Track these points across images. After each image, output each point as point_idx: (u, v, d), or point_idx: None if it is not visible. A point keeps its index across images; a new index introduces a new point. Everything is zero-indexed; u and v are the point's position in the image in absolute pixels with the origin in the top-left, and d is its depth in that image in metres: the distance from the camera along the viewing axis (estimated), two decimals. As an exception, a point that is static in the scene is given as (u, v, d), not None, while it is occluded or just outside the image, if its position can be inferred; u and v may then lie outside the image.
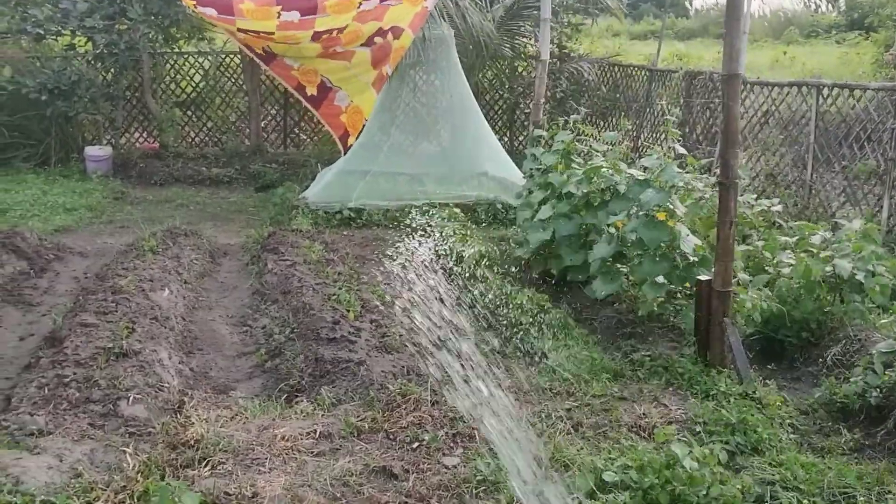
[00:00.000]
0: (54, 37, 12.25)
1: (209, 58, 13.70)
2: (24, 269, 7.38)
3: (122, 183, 11.59)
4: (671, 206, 5.62)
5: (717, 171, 6.65)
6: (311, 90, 9.73)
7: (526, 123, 13.77)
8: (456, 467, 4.10)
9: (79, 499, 3.59)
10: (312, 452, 4.20)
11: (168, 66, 13.60)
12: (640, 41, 26.18)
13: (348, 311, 6.15)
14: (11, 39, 12.13)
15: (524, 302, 6.22)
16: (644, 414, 4.66)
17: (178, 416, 4.51)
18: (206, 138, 13.90)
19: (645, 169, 6.11)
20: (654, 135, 11.90)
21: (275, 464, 4.06)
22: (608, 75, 13.74)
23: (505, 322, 6.04)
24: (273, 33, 7.85)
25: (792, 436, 4.54)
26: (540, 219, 6.83)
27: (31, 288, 7.12)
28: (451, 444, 4.34)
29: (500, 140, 11.16)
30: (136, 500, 3.62)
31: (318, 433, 4.36)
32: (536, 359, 5.52)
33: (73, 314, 6.00)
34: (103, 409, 4.49)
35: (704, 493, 3.69)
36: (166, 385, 4.95)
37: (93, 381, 4.74)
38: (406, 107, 10.37)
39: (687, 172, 6.32)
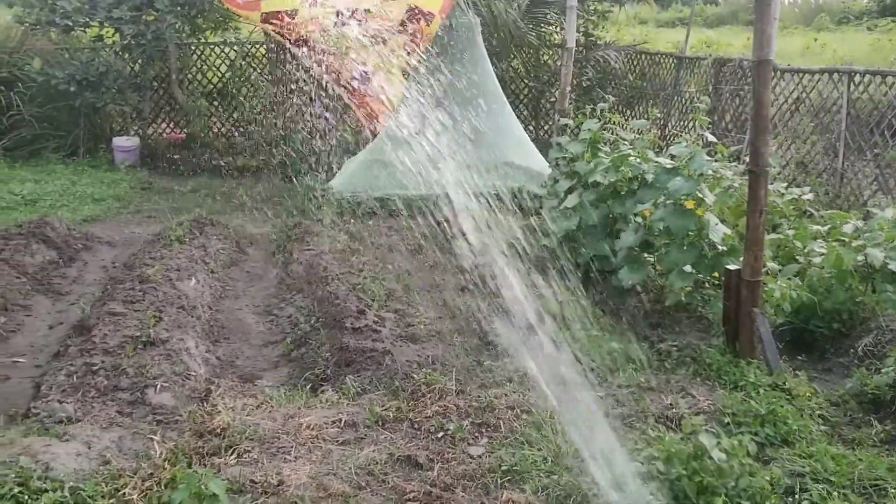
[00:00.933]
0: (83, 28, 12.34)
1: (235, 48, 13.74)
2: (53, 258, 7.46)
3: (149, 173, 11.68)
4: (700, 195, 5.55)
5: (747, 159, 6.57)
6: (346, 75, 9.73)
7: (551, 112, 13.68)
8: (481, 457, 4.09)
9: (107, 486, 3.62)
10: (337, 441, 4.21)
11: (194, 56, 13.65)
12: (667, 28, 25.91)
13: (373, 300, 6.15)
14: (41, 31, 12.22)
15: (548, 292, 6.17)
16: (671, 404, 4.62)
17: (205, 404, 4.53)
18: (233, 128, 13.94)
19: (673, 157, 6.04)
20: (682, 123, 11.78)
21: (300, 452, 4.08)
22: (635, 63, 13.61)
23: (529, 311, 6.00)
24: (295, 12, 7.82)
25: (822, 427, 4.47)
26: (566, 207, 6.77)
27: (60, 277, 7.19)
28: (476, 434, 4.33)
29: (525, 129, 11.09)
30: (163, 488, 3.64)
31: (343, 422, 4.36)
32: (561, 349, 5.48)
33: (102, 303, 6.05)
34: (131, 397, 4.53)
35: (733, 484, 3.65)
36: (193, 373, 4.98)
37: (121, 370, 4.78)
38: (429, 96, 10.33)
39: (716, 161, 6.23)
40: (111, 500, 3.56)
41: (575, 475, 3.84)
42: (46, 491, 3.48)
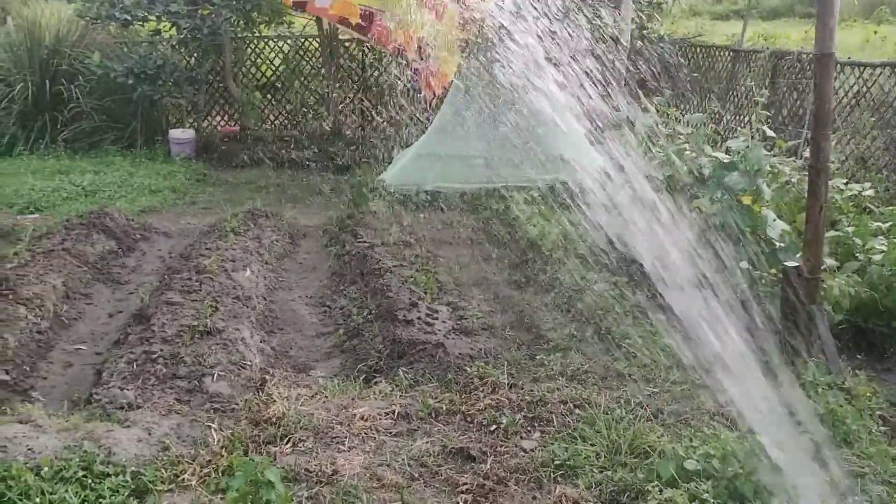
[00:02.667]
0: (141, 22, 12.54)
1: (289, 41, 13.86)
2: (112, 248, 7.61)
3: (204, 165, 11.84)
4: (757, 190, 5.46)
5: (805, 154, 6.44)
6: (356, 19, 9.80)
7: (604, 106, 13.55)
8: (533, 451, 4.09)
9: (166, 471, 3.70)
10: (390, 432, 4.24)
11: (249, 50, 13.80)
12: (722, 21, 25.48)
13: (425, 293, 6.17)
14: (101, 25, 12.46)
15: (601, 286, 6.13)
16: (726, 401, 4.56)
17: (260, 393, 4.60)
18: (286, 121, 14.08)
19: (729, 151, 5.95)
20: (738, 117, 11.58)
21: (354, 442, 4.12)
22: (690, 56, 13.42)
23: (582, 307, 5.98)
24: None
25: (882, 428, 4.39)
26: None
27: (119, 266, 7.34)
28: (529, 428, 4.32)
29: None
30: (220, 475, 3.71)
31: (396, 413, 4.39)
32: (615, 344, 5.45)
33: (160, 292, 6.17)
34: (189, 385, 4.61)
35: (792, 484, 3.60)
36: (248, 363, 5.06)
37: (179, 358, 4.87)
38: (482, 91, 10.30)
39: (773, 156, 6.12)
40: (171, 486, 3.64)
41: (629, 471, 3.83)
42: (109, 475, 3.57)
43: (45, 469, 3.54)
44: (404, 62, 9.87)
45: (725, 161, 5.71)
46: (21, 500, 3.35)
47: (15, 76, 11.88)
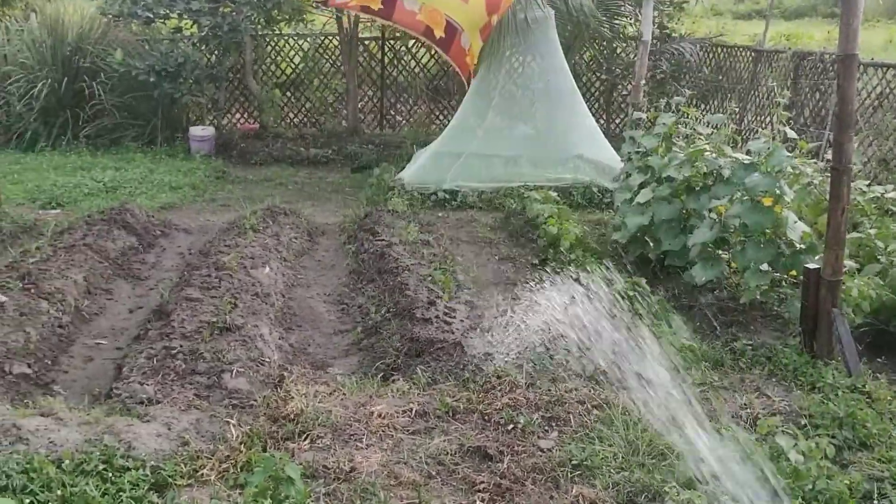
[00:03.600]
0: (163, 20, 12.63)
1: (308, 39, 13.92)
2: (133, 244, 7.67)
3: (224, 162, 11.89)
4: (778, 191, 5.43)
5: (827, 155, 6.40)
6: (440, 32, 9.97)
7: (623, 106, 13.52)
8: (551, 450, 4.09)
9: (186, 466, 3.73)
10: (408, 430, 4.24)
11: (269, 47, 13.87)
12: (743, 21, 25.33)
13: (444, 291, 6.17)
14: (123, 22, 12.56)
15: (620, 287, 6.10)
16: (745, 404, 4.55)
17: (279, 390, 4.62)
18: (305, 119, 14.14)
19: (749, 152, 5.92)
20: (759, 118, 11.51)
21: (371, 440, 4.13)
22: (711, 56, 13.35)
23: (600, 307, 5.96)
24: None
25: (903, 431, 4.35)
26: (638, 202, 6.70)
27: (139, 262, 7.40)
28: (546, 428, 4.32)
29: (596, 122, 10.98)
30: (239, 470, 3.73)
31: (413, 412, 4.40)
32: (634, 344, 5.43)
33: (179, 288, 6.21)
34: (208, 381, 4.64)
35: (810, 487, 3.59)
36: (267, 359, 5.08)
37: (198, 354, 4.90)
38: (502, 89, 10.29)
39: (795, 157, 6.08)
40: (190, 481, 3.66)
41: (647, 472, 3.82)
42: (129, 469, 3.60)
43: (67, 462, 3.58)
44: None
45: (746, 162, 5.67)
46: (43, 492, 3.38)
47: (38, 73, 11.99)
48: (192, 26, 12.71)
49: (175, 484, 3.60)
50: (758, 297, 5.76)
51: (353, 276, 7.16)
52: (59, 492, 3.38)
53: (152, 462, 3.68)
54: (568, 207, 8.42)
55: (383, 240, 7.57)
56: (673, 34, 13.47)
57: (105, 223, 7.72)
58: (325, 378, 4.94)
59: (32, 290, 5.80)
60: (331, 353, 5.64)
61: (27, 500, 3.31)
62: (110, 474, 3.55)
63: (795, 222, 5.53)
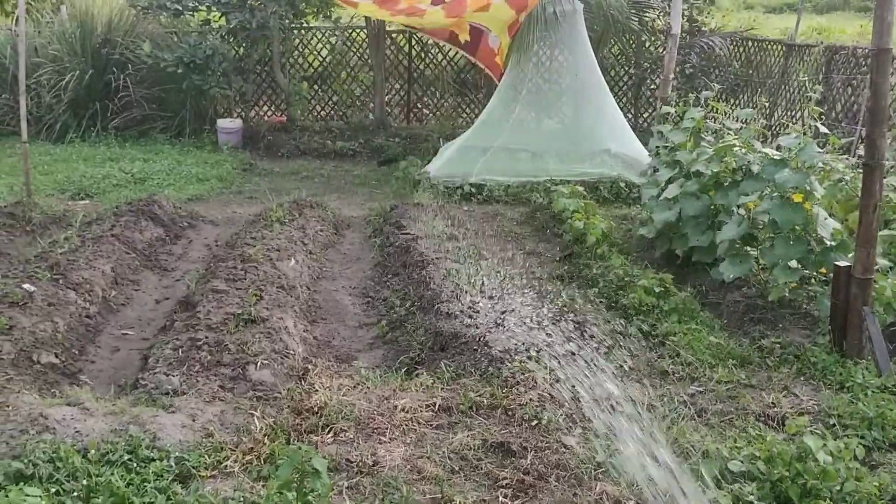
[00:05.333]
0: (191, 12, 12.69)
1: (336, 32, 13.93)
2: (160, 235, 7.72)
3: (251, 155, 11.95)
4: (808, 188, 5.35)
5: (860, 151, 6.30)
6: (465, 36, 9.98)
7: (651, 100, 13.40)
8: (575, 447, 4.05)
9: (210, 457, 3.74)
10: (431, 425, 4.23)
11: (297, 40, 13.89)
12: (774, 14, 25.03)
13: (469, 286, 6.15)
14: (152, 15, 12.64)
15: (647, 282, 6.06)
16: (773, 403, 4.49)
17: (303, 382, 4.63)
18: (332, 112, 14.16)
19: (779, 148, 5.84)
20: (790, 112, 11.36)
21: (395, 434, 4.12)
22: (741, 50, 13.19)
23: (626, 302, 5.92)
24: None
25: (935, 434, 4.27)
26: (666, 198, 6.64)
27: (166, 254, 7.45)
28: (570, 424, 4.29)
29: (624, 116, 10.89)
30: (262, 462, 3.74)
31: (437, 406, 4.38)
32: (658, 341, 5.39)
33: (205, 280, 6.24)
34: (233, 373, 4.65)
35: (838, 488, 3.53)
36: (291, 352, 5.09)
37: (223, 346, 4.91)
38: (529, 83, 10.25)
39: (826, 153, 5.99)
40: (214, 472, 3.68)
41: (670, 471, 3.78)
42: (154, 460, 3.62)
43: (92, 452, 3.60)
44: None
45: (776, 158, 5.60)
46: (68, 481, 3.41)
47: (67, 65, 12.09)
48: (220, 19, 12.76)
49: (199, 475, 3.62)
50: (786, 294, 5.69)
51: (378, 270, 7.16)
52: (84, 481, 3.40)
53: (177, 453, 3.70)
54: (594, 202, 8.37)
55: (409, 233, 7.56)
56: (703, 28, 13.32)
57: (133, 214, 7.77)
58: (349, 371, 4.94)
59: (61, 281, 5.86)
60: (355, 347, 5.64)
61: (53, 490, 3.34)
62: (135, 465, 3.57)
63: (826, 219, 5.45)
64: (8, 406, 4.00)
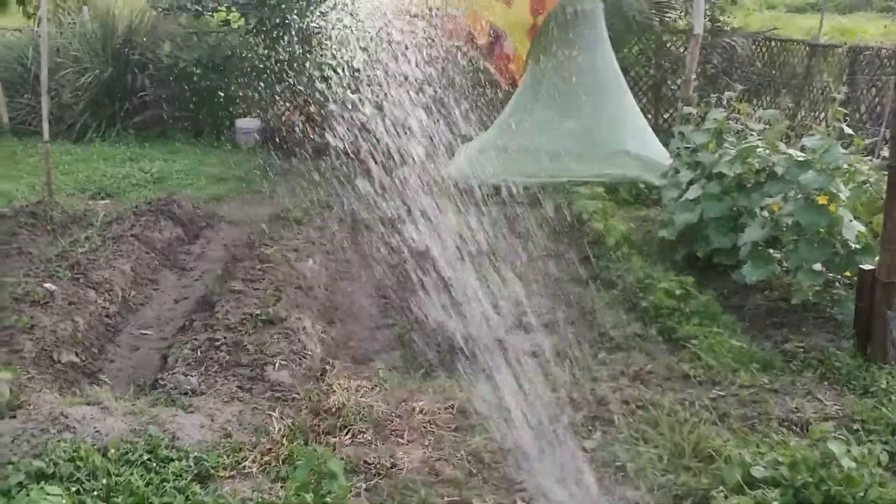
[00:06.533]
0: (211, 13, 12.73)
1: (354, 32, 13.91)
2: (179, 234, 7.75)
3: (269, 154, 11.96)
4: (833, 190, 5.28)
5: (883, 152, 6.21)
6: (482, 39, 9.95)
7: (672, 101, 13.30)
8: (594, 451, 4.02)
9: (228, 458, 3.74)
10: (449, 427, 4.21)
11: (315, 40, 13.88)
12: (797, 14, 24.80)
13: (487, 287, 6.12)
14: (172, 15, 12.69)
15: (667, 285, 6.00)
16: (796, 408, 4.42)
17: (321, 383, 4.62)
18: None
19: (803, 149, 5.77)
20: (813, 114, 11.25)
21: (412, 436, 4.10)
22: (764, 50, 13.06)
23: (646, 305, 5.86)
24: None
25: (960, 439, 4.20)
26: (688, 199, 6.57)
27: (185, 253, 7.47)
28: (590, 428, 4.25)
29: (644, 117, 10.80)
30: (280, 463, 3.74)
31: (455, 408, 4.36)
32: (679, 345, 5.33)
33: (223, 280, 6.25)
34: (251, 373, 4.65)
35: (862, 495, 3.47)
36: (309, 353, 5.08)
37: (241, 346, 4.92)
38: (549, 84, 10.18)
39: (851, 154, 5.92)
40: (232, 472, 3.67)
41: (693, 475, 3.73)
42: (173, 460, 3.62)
43: (112, 451, 3.61)
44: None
45: (800, 159, 5.53)
46: (89, 480, 3.42)
47: (88, 65, 12.16)
48: (239, 19, 12.79)
49: (217, 475, 3.62)
50: (810, 298, 5.61)
51: (395, 271, 7.13)
52: (104, 480, 3.41)
53: (195, 453, 3.70)
54: (614, 203, 8.31)
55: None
56: (725, 27, 13.21)
57: (152, 214, 7.80)
58: (366, 372, 4.93)
59: (81, 280, 5.89)
60: (373, 348, 5.63)
61: (74, 488, 3.34)
62: (154, 464, 3.58)
63: (850, 221, 5.37)
64: (29, 405, 4.02)
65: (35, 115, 12.11)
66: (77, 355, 5.00)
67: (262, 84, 12.91)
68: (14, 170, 10.32)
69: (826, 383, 4.79)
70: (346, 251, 7.74)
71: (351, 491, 3.52)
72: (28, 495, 3.14)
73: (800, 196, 5.42)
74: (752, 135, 6.54)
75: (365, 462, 3.81)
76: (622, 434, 4.15)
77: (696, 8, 8.45)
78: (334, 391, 4.44)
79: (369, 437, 4.05)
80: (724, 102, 7.10)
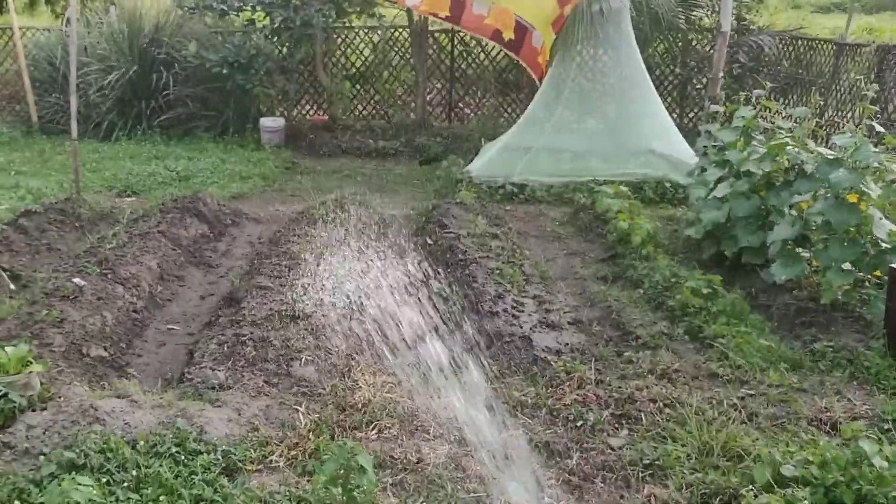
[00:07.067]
0: (236, 13, 12.80)
1: (378, 32, 13.95)
2: (204, 232, 7.79)
3: (293, 153, 12.01)
4: (864, 188, 5.22)
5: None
6: (509, 34, 9.96)
7: (697, 100, 13.21)
8: (621, 448, 4.00)
9: (255, 452, 3.76)
10: (476, 423, 4.20)
11: (339, 40, 13.94)
12: (821, 14, 24.58)
13: (511, 285, 6.11)
14: (198, 15, 12.77)
15: (694, 283, 5.96)
16: (826, 407, 4.38)
17: (346, 379, 4.62)
18: (374, 111, 14.18)
19: (833, 147, 5.71)
20: (840, 112, 11.13)
21: (438, 431, 4.09)
22: (790, 49, 12.95)
23: (673, 304, 5.82)
24: None
25: None
26: (715, 197, 6.52)
27: (210, 250, 7.50)
28: (617, 425, 4.23)
29: (669, 117, 10.74)
30: (307, 457, 3.75)
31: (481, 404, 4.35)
32: (706, 344, 5.29)
33: (249, 276, 6.28)
34: (277, 369, 4.67)
35: (894, 494, 3.42)
36: (335, 349, 5.08)
37: (267, 342, 4.93)
38: (572, 83, 10.14)
39: (881, 152, 5.85)
40: (259, 466, 3.69)
41: (721, 474, 3.70)
42: (201, 453, 3.64)
43: (141, 443, 3.64)
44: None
45: (831, 157, 5.47)
46: (118, 472, 3.44)
47: (115, 64, 12.27)
48: (264, 18, 12.85)
49: (245, 469, 3.63)
50: (839, 297, 5.56)
51: (420, 268, 7.13)
52: (134, 472, 3.43)
53: (223, 446, 3.72)
54: (639, 202, 8.26)
55: (451, 232, 7.53)
56: (751, 26, 13.11)
57: (178, 211, 7.85)
58: (391, 368, 4.93)
59: (109, 276, 5.93)
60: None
61: (104, 479, 3.37)
62: (183, 457, 3.60)
63: (881, 220, 5.31)
64: (60, 397, 4.06)
65: (63, 113, 12.25)
66: (105, 349, 5.04)
67: (286, 83, 12.98)
68: (43, 167, 10.44)
69: (855, 383, 4.74)
70: (370, 249, 7.74)
71: (378, 486, 3.52)
72: (60, 485, 3.17)
73: (830, 194, 5.36)
74: (780, 133, 6.48)
75: (391, 457, 3.81)
76: (649, 432, 4.12)
77: (725, 5, 8.39)
78: (360, 387, 4.45)
79: (395, 433, 4.05)
80: (753, 101, 7.04)
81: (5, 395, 3.90)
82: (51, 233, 7.29)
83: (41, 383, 4.11)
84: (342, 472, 3.19)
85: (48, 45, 12.98)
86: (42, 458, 3.51)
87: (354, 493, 3.25)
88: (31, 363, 4.18)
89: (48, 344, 4.77)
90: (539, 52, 10.23)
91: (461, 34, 13.65)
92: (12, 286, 5.99)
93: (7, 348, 4.16)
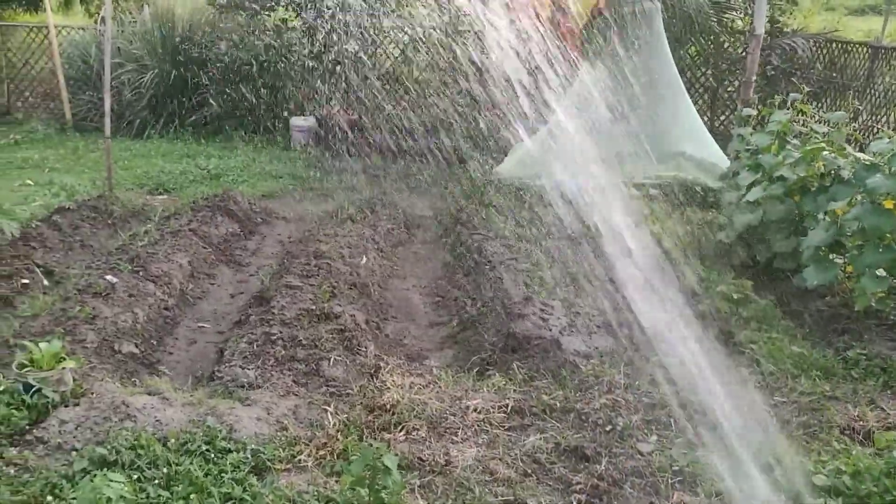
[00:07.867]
0: (268, 12, 12.87)
1: (408, 32, 13.95)
2: (235, 230, 7.84)
3: (323, 152, 12.04)
4: (902, 194, 5.14)
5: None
6: (545, 12, 9.88)
7: (729, 103, 13.09)
8: (651, 454, 3.97)
9: (284, 451, 3.77)
10: (504, 426, 4.19)
11: (369, 39, 13.96)
12: (855, 16, 24.23)
13: (540, 287, 6.09)
14: (230, 14, 12.86)
15: (725, 288, 5.90)
16: (859, 416, 4.32)
17: (375, 380, 4.62)
18: (402, 111, 14.17)
19: (869, 152, 5.63)
20: (875, 116, 10.98)
21: (467, 434, 4.09)
22: (824, 52, 12.79)
23: (702, 308, 5.77)
24: None
25: None
26: (748, 201, 6.45)
27: (240, 249, 7.55)
28: (646, 431, 4.20)
29: (701, 119, 10.65)
30: (335, 458, 3.75)
31: (509, 408, 4.35)
32: (737, 349, 5.24)
33: (279, 276, 6.31)
34: (306, 368, 4.69)
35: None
36: (363, 349, 5.09)
37: (297, 341, 4.96)
38: (603, 84, 10.09)
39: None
40: (288, 465, 3.71)
41: (752, 482, 3.66)
42: (231, 451, 3.66)
43: (172, 441, 3.67)
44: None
45: (868, 162, 5.39)
46: (149, 468, 3.47)
47: (148, 63, 12.39)
48: (295, 18, 12.91)
49: (274, 468, 3.65)
50: (873, 304, 5.47)
51: (448, 269, 7.14)
52: (164, 470, 3.46)
53: (252, 445, 3.74)
54: (669, 206, 8.20)
55: (479, 233, 7.53)
56: (785, 29, 12.96)
57: (209, 209, 7.91)
58: (420, 370, 4.93)
59: (141, 273, 5.99)
60: (426, 346, 5.63)
61: (135, 476, 3.40)
62: (213, 455, 3.62)
63: (917, 227, 5.22)
64: (92, 393, 4.10)
65: (97, 111, 12.39)
66: (137, 346, 5.09)
67: (316, 83, 13.02)
68: (77, 165, 10.56)
69: (889, 392, 4.67)
70: (399, 249, 7.76)
71: (405, 487, 3.52)
72: (92, 481, 3.20)
73: (866, 200, 5.28)
74: (816, 137, 6.40)
75: (419, 459, 3.81)
76: (679, 438, 4.09)
77: (758, 7, 8.29)
78: (388, 388, 4.45)
79: (423, 435, 4.05)
80: (788, 104, 6.95)
81: (39, 390, 3.96)
82: (84, 229, 7.38)
83: (73, 379, 4.16)
84: (369, 472, 3.19)
85: (83, 44, 13.14)
86: (74, 453, 3.55)
87: (381, 494, 3.26)
88: (64, 359, 4.23)
89: (81, 340, 4.83)
90: (575, 34, 10.18)
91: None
92: (46, 282, 6.07)
93: (41, 344, 4.21)
